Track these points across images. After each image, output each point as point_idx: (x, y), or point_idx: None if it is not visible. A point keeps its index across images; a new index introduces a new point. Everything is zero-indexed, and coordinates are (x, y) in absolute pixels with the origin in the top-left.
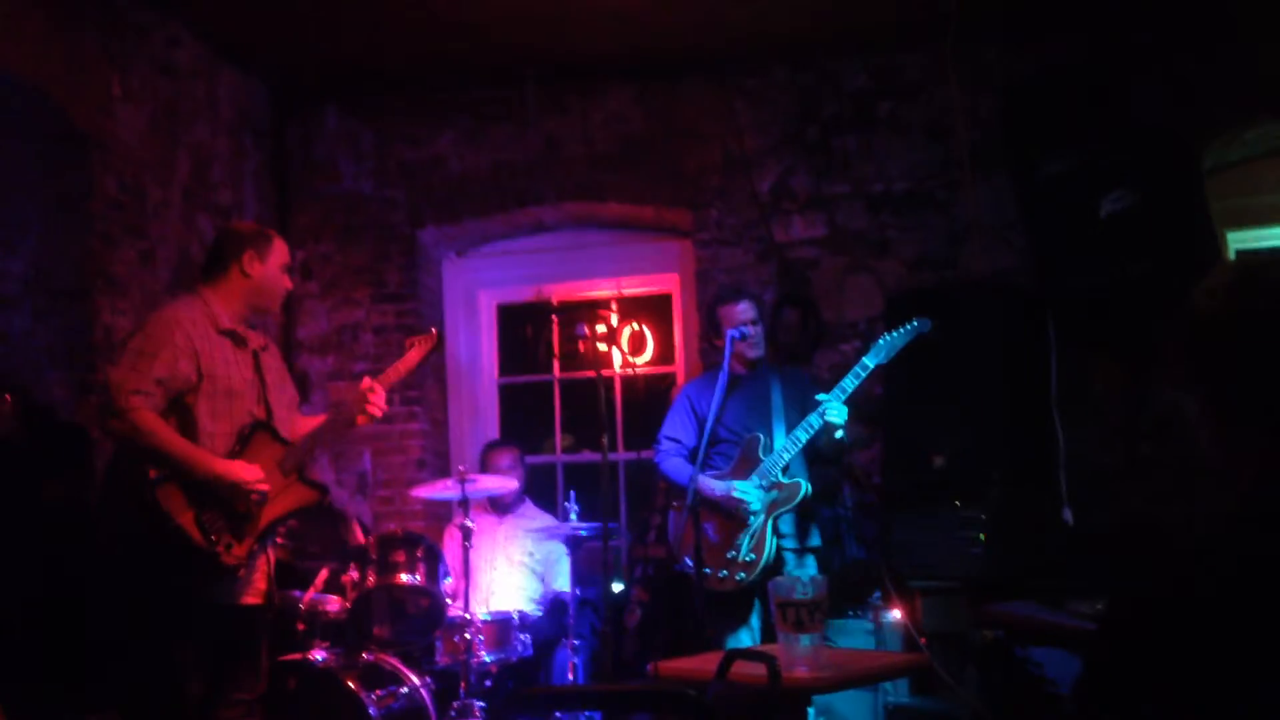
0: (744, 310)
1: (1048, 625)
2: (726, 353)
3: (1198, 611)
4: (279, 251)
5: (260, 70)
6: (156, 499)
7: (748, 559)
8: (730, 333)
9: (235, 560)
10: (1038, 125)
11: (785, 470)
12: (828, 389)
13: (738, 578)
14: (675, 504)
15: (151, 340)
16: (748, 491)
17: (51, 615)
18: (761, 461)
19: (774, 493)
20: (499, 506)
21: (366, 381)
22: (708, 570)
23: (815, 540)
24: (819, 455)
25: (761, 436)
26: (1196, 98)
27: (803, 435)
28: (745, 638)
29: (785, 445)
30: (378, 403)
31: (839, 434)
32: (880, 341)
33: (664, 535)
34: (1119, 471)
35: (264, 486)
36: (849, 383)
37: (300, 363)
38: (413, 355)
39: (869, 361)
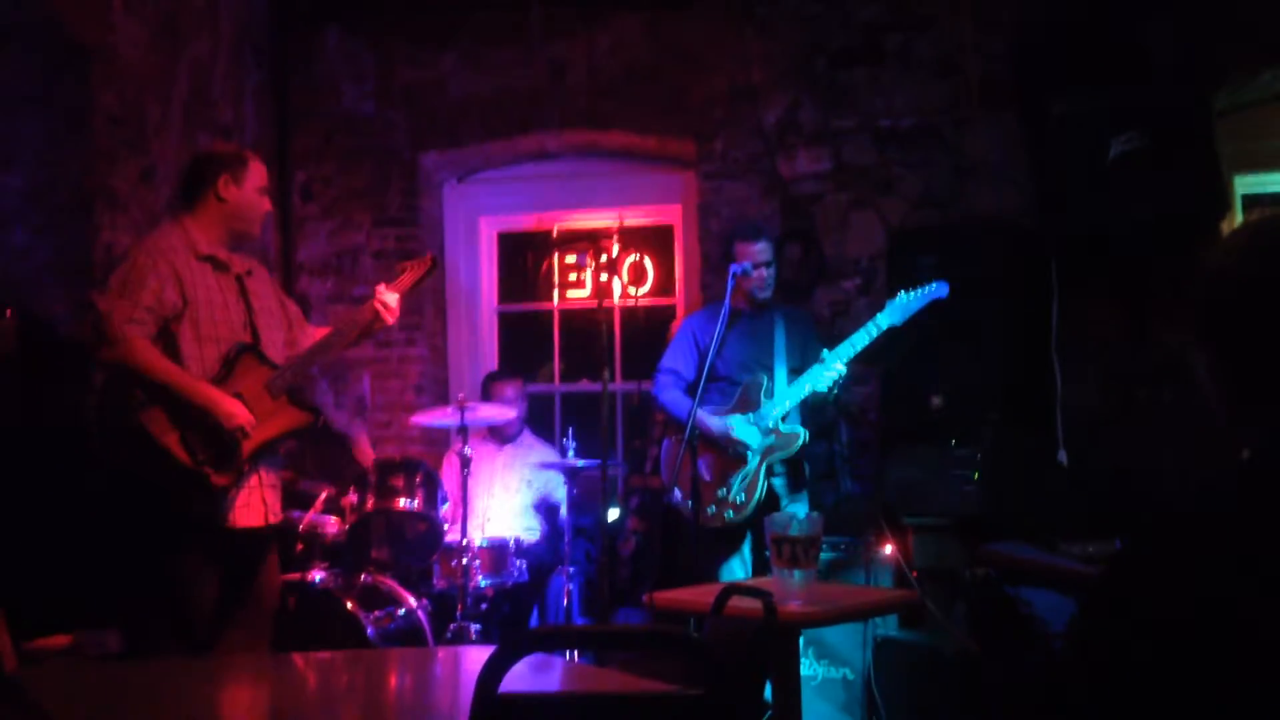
0: (761, 250)
1: (1039, 565)
2: (729, 286)
3: (1200, 567)
4: (255, 174)
5: None
6: (141, 422)
7: (737, 499)
8: (733, 267)
9: (225, 481)
10: (1050, 65)
11: (785, 418)
12: (829, 329)
13: (726, 515)
14: (671, 436)
15: (138, 269)
16: (745, 430)
17: (52, 530)
18: (761, 405)
19: (771, 438)
20: (499, 435)
21: (380, 286)
22: (692, 503)
23: (808, 477)
24: (811, 402)
25: (764, 379)
26: (1210, 40)
27: (804, 386)
28: (737, 567)
29: (787, 394)
30: (390, 313)
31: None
32: (896, 301)
33: (659, 466)
34: (1114, 417)
35: (244, 421)
36: (859, 339)
37: (299, 285)
38: (405, 278)
39: (882, 321)
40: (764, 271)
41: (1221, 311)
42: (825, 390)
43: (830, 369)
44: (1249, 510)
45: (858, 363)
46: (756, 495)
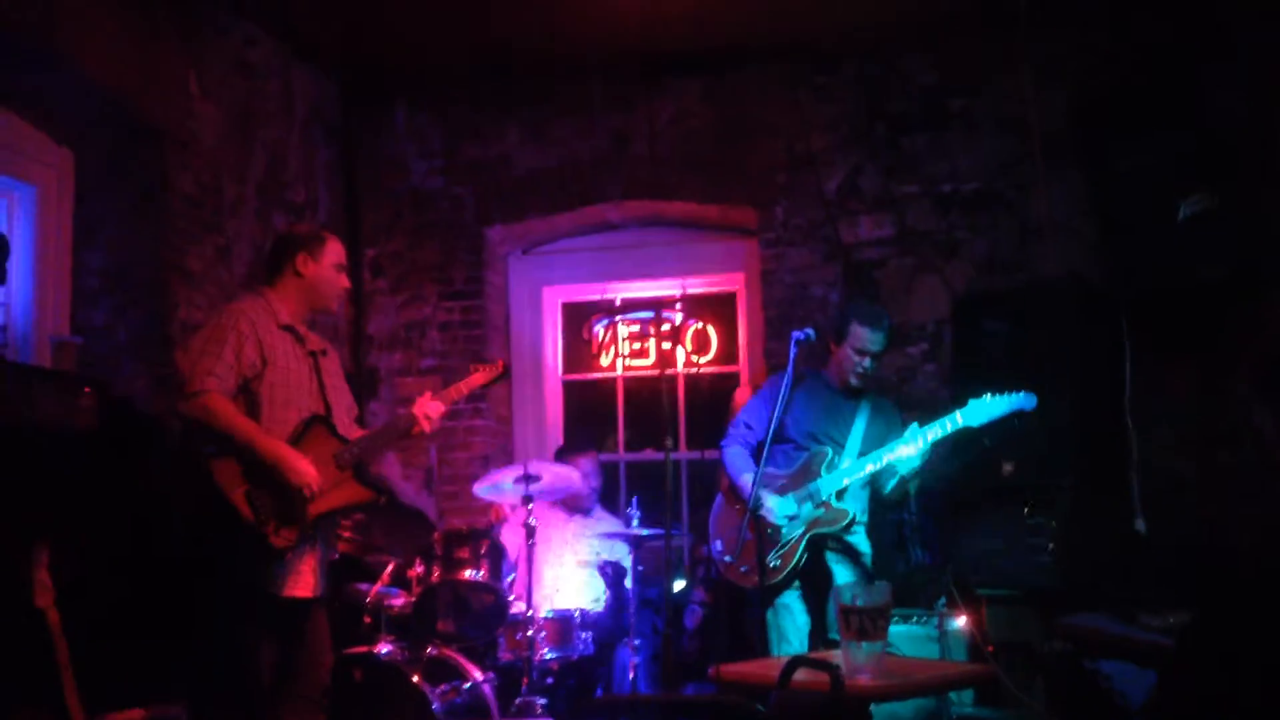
0: (871, 341)
1: (1118, 638)
2: (792, 354)
3: (1274, 633)
4: (332, 251)
5: (332, 67)
6: (210, 471)
7: (773, 564)
8: (796, 334)
9: (284, 543)
10: (1112, 120)
11: (841, 495)
12: (895, 393)
13: (756, 578)
14: (723, 489)
15: (220, 328)
16: (776, 509)
17: (131, 604)
18: (819, 477)
19: (820, 511)
20: (571, 506)
21: (426, 395)
22: (729, 559)
23: (865, 547)
24: (881, 498)
25: (830, 453)
26: (1277, 94)
27: (866, 465)
28: (788, 625)
29: (848, 471)
30: (430, 423)
31: (909, 480)
32: (980, 401)
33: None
34: (1194, 480)
35: (312, 480)
36: (935, 429)
37: (370, 358)
38: (476, 378)
39: (963, 420)
40: (866, 361)
41: None
42: (902, 473)
43: (901, 450)
44: None
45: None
46: (792, 564)
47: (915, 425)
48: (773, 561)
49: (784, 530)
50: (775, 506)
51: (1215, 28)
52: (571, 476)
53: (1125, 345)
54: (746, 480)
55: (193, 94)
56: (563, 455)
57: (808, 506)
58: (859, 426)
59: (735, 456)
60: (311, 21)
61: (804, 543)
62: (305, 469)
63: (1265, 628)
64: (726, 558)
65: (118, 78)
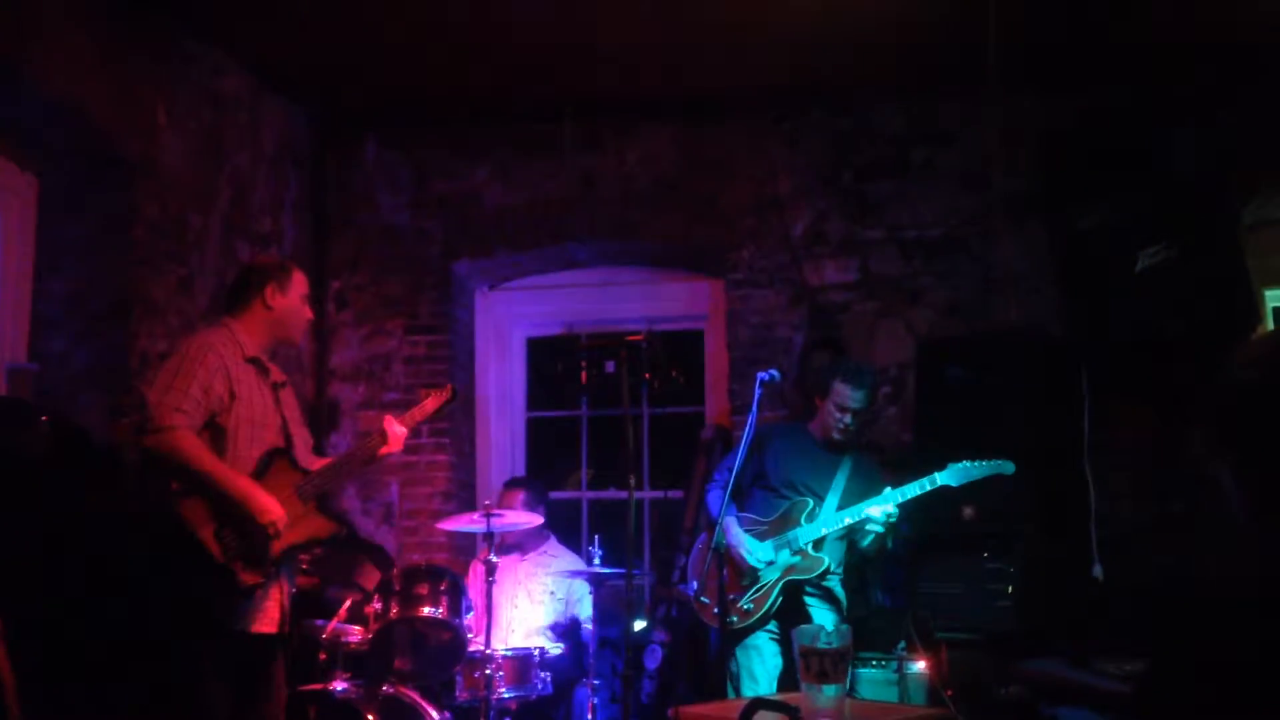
0: (852, 399)
1: (1074, 684)
2: (756, 394)
3: (1239, 678)
4: (299, 283)
5: (302, 100)
6: (179, 510)
7: (745, 607)
8: (761, 375)
9: (253, 580)
10: (1075, 176)
11: (819, 545)
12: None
13: (730, 619)
14: (707, 531)
15: (188, 361)
16: (754, 552)
17: (80, 637)
18: (799, 525)
19: (796, 558)
20: (515, 545)
21: (388, 418)
22: (705, 600)
23: (841, 594)
24: (858, 551)
25: (811, 503)
26: (1237, 152)
27: (844, 519)
28: (757, 665)
29: (826, 523)
30: (395, 442)
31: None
32: (960, 466)
33: (686, 575)
34: (1150, 528)
35: (278, 518)
36: (912, 489)
37: (331, 391)
38: (429, 404)
39: (940, 480)
40: (848, 419)
41: (1242, 421)
42: (878, 529)
43: (874, 509)
44: (1266, 617)
45: (889, 470)
46: (765, 608)
47: (890, 488)
48: (746, 604)
49: (761, 574)
50: (753, 549)
51: (1172, 93)
52: (533, 519)
53: (1084, 395)
54: (726, 523)
55: (160, 123)
56: (504, 490)
57: (785, 553)
58: (839, 481)
59: (715, 499)
60: (282, 53)
61: (779, 587)
62: (271, 506)
63: (1220, 675)
64: (703, 598)
65: (85, 104)
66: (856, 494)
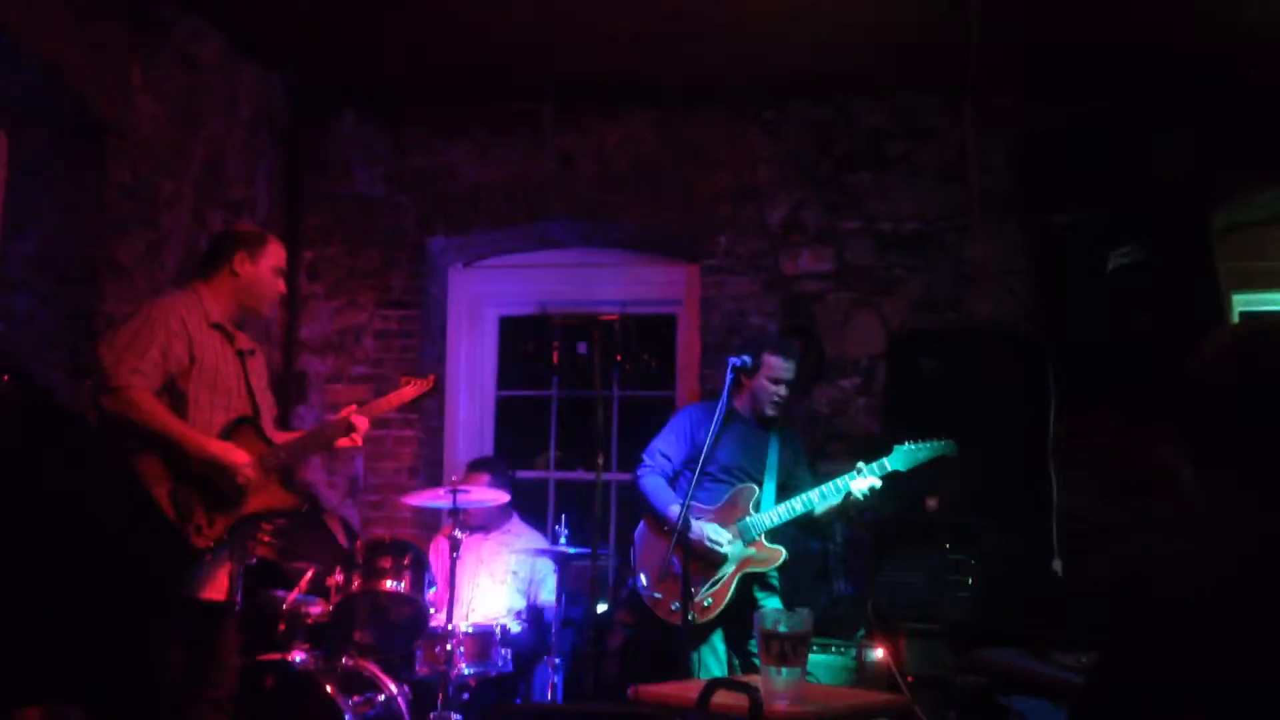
0: (785, 369)
1: (1031, 674)
2: (728, 379)
3: (1188, 678)
4: (272, 254)
5: (280, 69)
6: (135, 465)
7: (705, 602)
8: (733, 360)
9: (204, 544)
10: (1051, 176)
11: (773, 534)
12: (827, 427)
13: (689, 616)
14: (645, 519)
15: (148, 322)
16: (721, 538)
17: (39, 599)
18: (750, 514)
19: (751, 550)
20: (480, 525)
21: (352, 409)
22: (659, 595)
23: (776, 580)
24: (812, 522)
25: (757, 490)
26: (1211, 158)
27: (797, 506)
28: (710, 660)
29: (777, 510)
30: (356, 437)
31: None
32: (905, 447)
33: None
34: (1112, 525)
35: (251, 472)
36: (865, 477)
37: (300, 362)
38: (406, 392)
39: (890, 465)
40: (781, 390)
41: (1200, 418)
42: (834, 507)
43: (859, 482)
44: (1222, 613)
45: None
46: (725, 602)
47: (845, 475)
48: (705, 600)
49: (720, 567)
50: (716, 536)
51: (1150, 97)
52: (499, 497)
53: (1051, 391)
54: (674, 511)
55: (134, 85)
56: (467, 470)
57: (738, 545)
58: (772, 459)
59: (657, 487)
60: (260, 20)
61: (736, 580)
62: (239, 456)
63: (1174, 670)
64: (656, 594)
65: (60, 63)
66: (787, 470)
